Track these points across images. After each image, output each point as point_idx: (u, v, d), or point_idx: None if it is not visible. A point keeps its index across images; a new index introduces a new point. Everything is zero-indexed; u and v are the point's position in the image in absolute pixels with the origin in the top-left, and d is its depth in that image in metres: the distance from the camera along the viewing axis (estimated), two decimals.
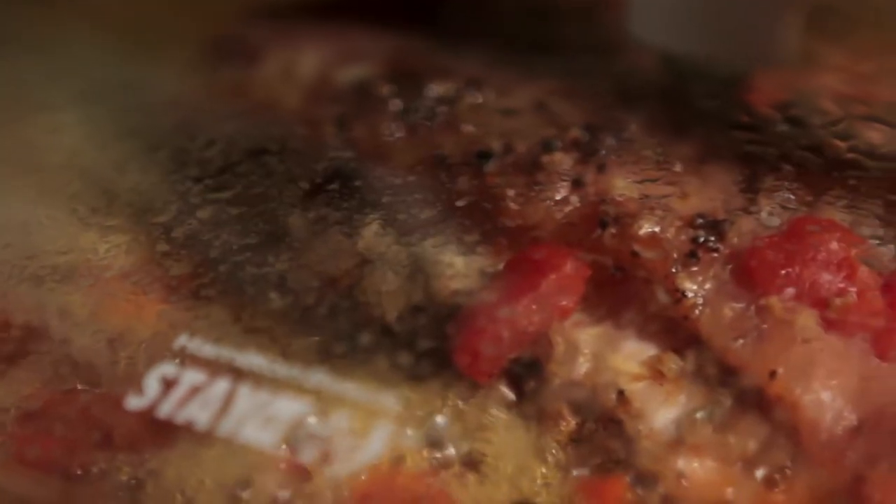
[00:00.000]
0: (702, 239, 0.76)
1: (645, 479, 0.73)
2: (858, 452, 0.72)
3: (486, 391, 0.76)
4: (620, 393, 0.74)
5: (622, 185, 0.79)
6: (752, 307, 0.75)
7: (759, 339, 0.74)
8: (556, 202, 0.80)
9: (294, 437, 0.71)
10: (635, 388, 0.75)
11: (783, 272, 0.75)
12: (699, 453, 0.74)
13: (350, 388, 0.74)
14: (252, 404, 0.72)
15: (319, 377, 0.74)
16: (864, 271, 0.76)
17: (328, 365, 0.75)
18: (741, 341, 0.74)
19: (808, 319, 0.74)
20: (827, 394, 0.73)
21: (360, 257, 0.79)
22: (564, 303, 0.77)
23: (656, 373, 0.76)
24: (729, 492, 0.73)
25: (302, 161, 0.85)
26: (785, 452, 0.73)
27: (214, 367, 0.74)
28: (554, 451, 0.74)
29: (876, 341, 0.75)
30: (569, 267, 0.77)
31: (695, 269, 0.76)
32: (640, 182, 0.79)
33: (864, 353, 0.75)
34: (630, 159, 0.81)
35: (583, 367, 0.76)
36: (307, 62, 0.93)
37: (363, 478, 0.71)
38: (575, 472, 0.74)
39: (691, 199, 0.79)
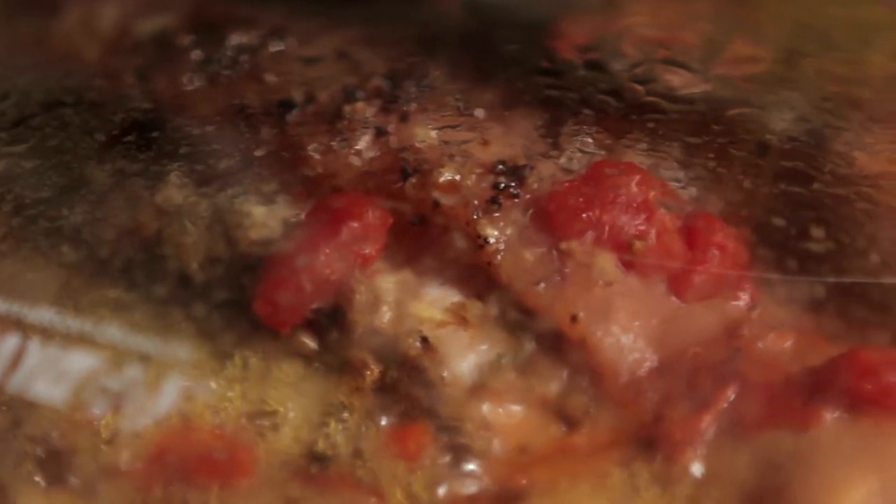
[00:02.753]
0: (502, 185, 0.76)
1: (449, 426, 0.72)
2: (658, 393, 0.73)
3: (287, 341, 0.75)
4: (424, 340, 0.74)
5: (423, 134, 0.78)
6: (553, 252, 0.75)
7: (560, 284, 0.74)
8: (358, 151, 0.79)
9: (87, 391, 0.70)
10: (439, 335, 0.74)
11: (583, 216, 0.75)
12: (502, 398, 0.74)
13: (148, 342, 0.72)
14: (44, 359, 0.71)
15: (115, 331, 0.72)
16: (662, 214, 0.76)
17: (125, 318, 0.73)
18: (542, 286, 0.74)
19: (607, 262, 0.74)
20: (627, 336, 0.74)
21: (157, 209, 0.78)
22: (366, 251, 0.76)
23: (459, 319, 0.75)
24: (532, 435, 0.73)
25: (100, 113, 0.83)
26: (587, 395, 0.74)
27: (5, 323, 0.72)
28: (357, 400, 0.74)
29: (674, 282, 0.75)
30: (370, 215, 0.76)
31: (496, 215, 0.75)
32: (441, 129, 0.79)
33: (663, 294, 0.75)
34: (432, 107, 0.80)
35: (385, 315, 0.75)
36: (107, 13, 0.91)
37: (158, 431, 0.70)
38: (378, 421, 0.73)
39: (492, 145, 0.79)
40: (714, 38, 0.82)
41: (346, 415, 0.73)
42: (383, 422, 0.73)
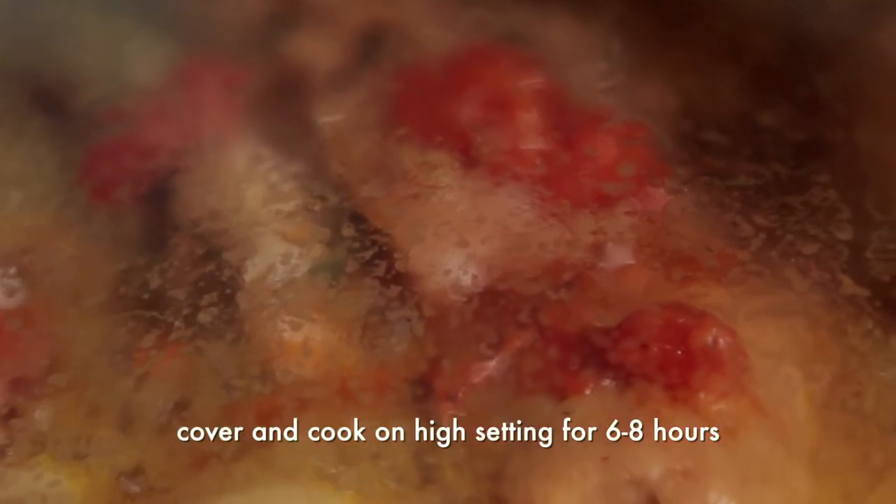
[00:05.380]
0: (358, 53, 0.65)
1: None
2: (456, 328, 0.59)
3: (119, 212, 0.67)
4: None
5: None
6: (388, 143, 0.63)
7: (389, 184, 0.62)
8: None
9: None
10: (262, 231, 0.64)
11: (427, 105, 0.63)
12: (303, 310, 0.62)
13: None
14: None
15: None
16: (529, 114, 0.62)
17: None
18: (370, 184, 0.63)
19: (443, 162, 0.62)
20: (449, 254, 0.61)
21: None
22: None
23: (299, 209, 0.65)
24: (326, 356, 0.61)
25: None
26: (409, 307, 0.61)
27: None
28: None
29: (528, 193, 0.62)
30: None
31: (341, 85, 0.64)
32: None
33: (508, 209, 0.62)
34: None
35: (225, 192, 0.66)
36: None
37: None
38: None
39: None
40: None
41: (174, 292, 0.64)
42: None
